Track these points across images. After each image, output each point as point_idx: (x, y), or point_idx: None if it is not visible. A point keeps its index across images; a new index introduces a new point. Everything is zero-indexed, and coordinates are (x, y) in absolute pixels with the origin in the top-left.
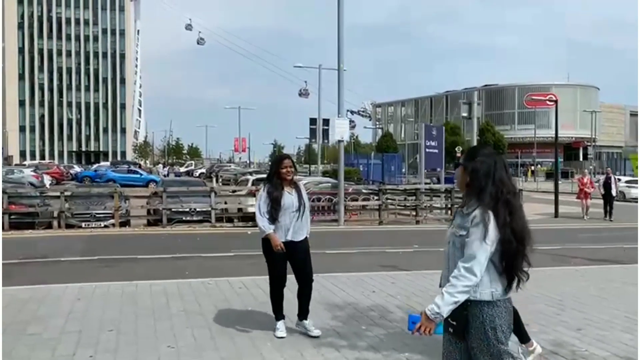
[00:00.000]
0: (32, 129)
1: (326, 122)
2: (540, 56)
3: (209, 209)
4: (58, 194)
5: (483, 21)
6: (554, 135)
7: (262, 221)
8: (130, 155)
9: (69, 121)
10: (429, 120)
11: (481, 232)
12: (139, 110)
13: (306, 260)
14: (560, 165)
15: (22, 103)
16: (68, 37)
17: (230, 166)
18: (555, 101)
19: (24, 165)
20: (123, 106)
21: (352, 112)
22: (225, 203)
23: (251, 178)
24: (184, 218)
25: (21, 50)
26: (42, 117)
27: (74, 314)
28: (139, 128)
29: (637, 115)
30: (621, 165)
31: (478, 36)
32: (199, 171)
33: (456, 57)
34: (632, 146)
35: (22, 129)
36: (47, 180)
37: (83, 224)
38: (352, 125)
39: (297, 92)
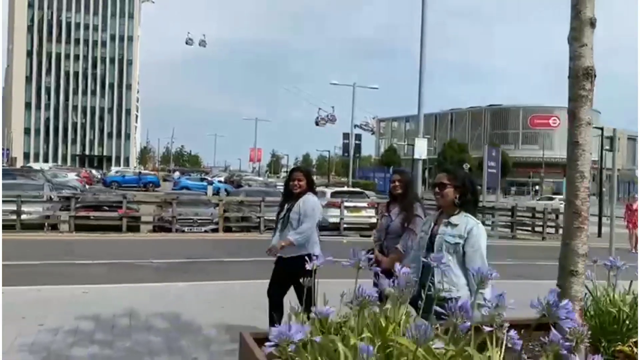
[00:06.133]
0: (37, 132)
1: (358, 137)
2: (531, 78)
3: None
4: (169, 200)
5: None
6: (557, 156)
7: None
8: (133, 161)
9: (74, 125)
10: (433, 137)
11: (483, 243)
12: (136, 116)
13: (285, 282)
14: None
15: (27, 105)
16: (77, 42)
17: (247, 174)
18: (601, 128)
19: (67, 168)
20: (128, 112)
21: (355, 126)
22: None
23: (329, 191)
24: (274, 225)
25: (29, 53)
26: (47, 120)
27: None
28: (135, 134)
29: (634, 139)
30: (619, 187)
31: (473, 57)
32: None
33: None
34: (628, 169)
35: (26, 131)
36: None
37: (186, 229)
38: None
39: (314, 121)
